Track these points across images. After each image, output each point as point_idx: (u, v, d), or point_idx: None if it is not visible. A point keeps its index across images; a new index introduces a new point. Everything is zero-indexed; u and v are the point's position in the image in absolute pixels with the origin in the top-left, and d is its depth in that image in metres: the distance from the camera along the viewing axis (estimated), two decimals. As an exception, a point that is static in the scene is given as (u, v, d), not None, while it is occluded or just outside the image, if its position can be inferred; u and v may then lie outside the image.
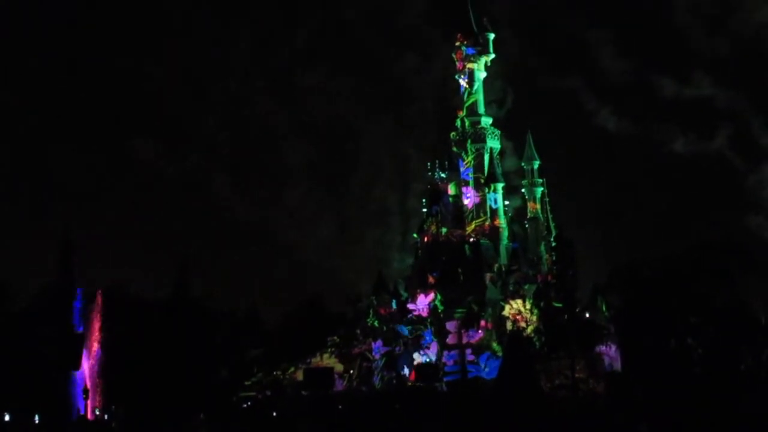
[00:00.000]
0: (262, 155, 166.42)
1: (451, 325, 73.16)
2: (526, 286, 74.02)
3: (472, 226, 79.68)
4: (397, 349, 75.20)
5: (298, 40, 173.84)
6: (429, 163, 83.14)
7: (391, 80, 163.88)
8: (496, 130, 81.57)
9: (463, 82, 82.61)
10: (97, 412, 61.48)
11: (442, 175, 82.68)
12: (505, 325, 71.28)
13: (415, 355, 73.36)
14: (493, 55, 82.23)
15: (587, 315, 70.83)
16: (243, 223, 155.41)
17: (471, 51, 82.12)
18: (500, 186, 79.50)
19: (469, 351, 71.57)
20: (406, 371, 72.92)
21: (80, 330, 56.58)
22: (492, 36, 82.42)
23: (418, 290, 77.25)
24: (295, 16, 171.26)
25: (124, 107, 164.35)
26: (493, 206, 78.97)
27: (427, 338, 74.32)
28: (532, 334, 68.79)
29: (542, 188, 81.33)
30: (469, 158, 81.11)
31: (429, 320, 74.72)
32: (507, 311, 72.08)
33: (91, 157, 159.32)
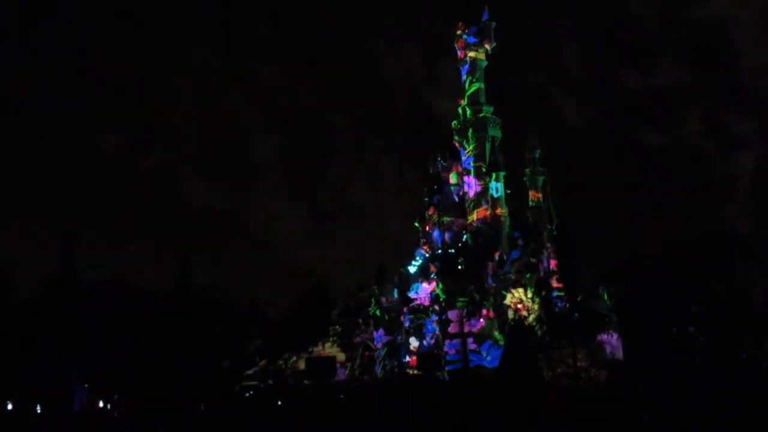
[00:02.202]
0: (230, 148, 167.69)
1: (452, 314, 73.19)
2: (528, 275, 73.90)
3: (474, 215, 79.57)
4: (398, 338, 75.33)
5: (257, 33, 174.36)
6: (437, 155, 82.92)
7: (357, 72, 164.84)
8: (497, 118, 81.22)
9: (464, 71, 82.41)
10: (100, 403, 61.67)
11: (443, 163, 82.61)
12: (506, 314, 71.26)
13: (412, 340, 73.67)
14: (494, 43, 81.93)
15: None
16: (214, 214, 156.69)
17: (472, 39, 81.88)
18: (502, 175, 79.23)
19: (470, 340, 71.69)
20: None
21: (83, 321, 56.62)
22: (494, 24, 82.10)
23: (420, 279, 77.32)
24: (253, 9, 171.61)
25: (91, 102, 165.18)
26: (495, 195, 78.67)
27: (429, 327, 74.43)
28: (534, 323, 68.72)
29: (543, 177, 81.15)
30: (471, 147, 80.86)
31: (431, 309, 74.78)
32: (509, 300, 72.03)
33: (62, 151, 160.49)
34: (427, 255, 77.45)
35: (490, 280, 73.98)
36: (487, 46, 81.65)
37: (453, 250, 76.90)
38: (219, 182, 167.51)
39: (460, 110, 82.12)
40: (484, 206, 78.89)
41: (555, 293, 71.57)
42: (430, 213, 79.14)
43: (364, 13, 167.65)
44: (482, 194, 79.42)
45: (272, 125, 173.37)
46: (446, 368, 68.95)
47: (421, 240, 79.31)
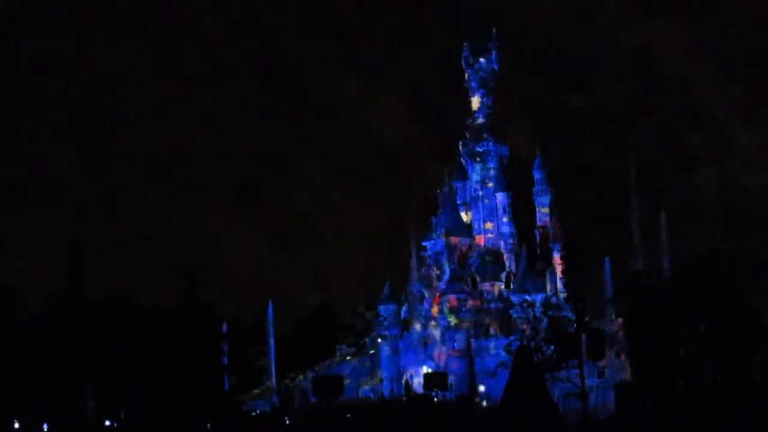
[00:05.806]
0: (183, 172, 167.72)
1: (459, 334, 73.08)
2: (535, 294, 73.70)
3: (481, 233, 79.51)
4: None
5: (200, 58, 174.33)
6: (447, 171, 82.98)
7: (303, 99, 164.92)
8: (505, 137, 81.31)
9: (472, 86, 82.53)
10: (106, 421, 61.56)
11: (451, 181, 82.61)
12: (514, 334, 71.02)
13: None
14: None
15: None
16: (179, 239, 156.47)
17: (481, 56, 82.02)
18: (509, 193, 79.13)
19: (477, 360, 71.59)
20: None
21: (89, 338, 56.65)
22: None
23: (427, 298, 77.31)
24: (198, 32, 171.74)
25: (43, 122, 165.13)
26: (502, 213, 78.62)
27: (436, 347, 74.36)
28: (541, 343, 68.44)
29: (550, 195, 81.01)
30: (478, 165, 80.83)
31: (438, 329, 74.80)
32: (516, 319, 71.88)
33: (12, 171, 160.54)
34: (434, 274, 77.41)
35: (497, 300, 73.92)
36: (494, 64, 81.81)
37: (460, 270, 76.83)
38: (177, 206, 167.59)
39: (467, 129, 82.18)
40: (492, 225, 78.79)
41: (563, 313, 71.30)
42: (437, 232, 79.05)
43: (307, 40, 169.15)
44: (489, 213, 79.30)
45: (227, 152, 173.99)
46: (453, 388, 68.81)
47: (428, 259, 79.27)
